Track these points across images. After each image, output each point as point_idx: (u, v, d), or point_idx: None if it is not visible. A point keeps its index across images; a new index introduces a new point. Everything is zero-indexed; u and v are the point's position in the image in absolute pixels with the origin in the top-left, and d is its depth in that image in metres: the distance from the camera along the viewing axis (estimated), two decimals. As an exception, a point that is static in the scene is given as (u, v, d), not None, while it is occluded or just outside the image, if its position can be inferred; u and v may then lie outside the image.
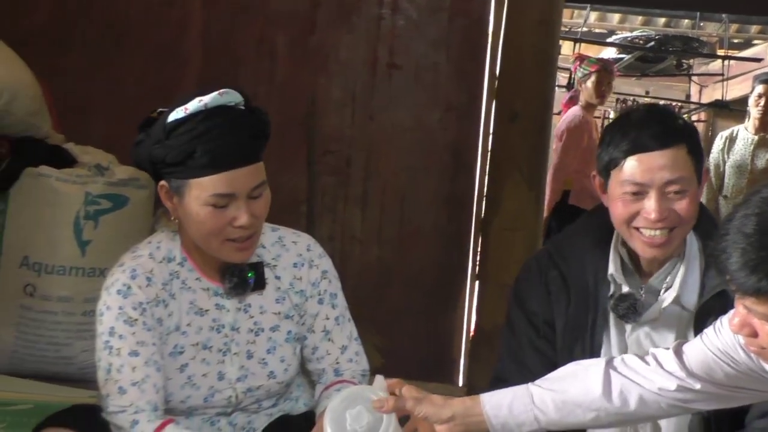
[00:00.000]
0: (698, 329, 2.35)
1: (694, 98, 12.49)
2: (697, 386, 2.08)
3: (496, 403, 2.15)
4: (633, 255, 2.48)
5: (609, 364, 2.16)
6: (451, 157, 5.24)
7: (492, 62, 5.15)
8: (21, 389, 3.73)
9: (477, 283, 5.12)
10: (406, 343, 5.18)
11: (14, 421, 3.21)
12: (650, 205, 2.34)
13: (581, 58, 7.51)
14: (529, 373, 2.49)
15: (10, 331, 3.96)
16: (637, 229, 2.38)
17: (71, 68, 5.01)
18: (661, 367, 2.12)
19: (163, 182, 2.30)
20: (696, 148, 2.39)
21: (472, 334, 5.15)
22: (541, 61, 4.91)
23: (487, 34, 5.23)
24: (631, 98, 12.66)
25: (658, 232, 2.36)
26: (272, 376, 2.44)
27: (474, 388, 4.83)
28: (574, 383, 2.16)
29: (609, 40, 11.81)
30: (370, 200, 5.25)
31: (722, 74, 11.08)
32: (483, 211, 5.09)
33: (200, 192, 2.23)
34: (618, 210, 2.40)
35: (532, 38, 4.89)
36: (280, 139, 5.35)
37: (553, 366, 2.48)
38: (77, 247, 4.00)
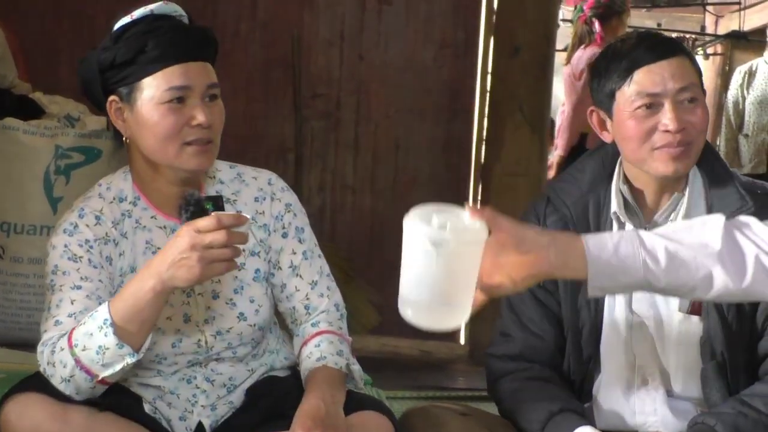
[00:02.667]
0: None
1: (710, 30, 12.40)
2: None
3: (600, 241, 2.02)
4: (635, 192, 2.50)
5: (729, 222, 2.07)
6: (448, 98, 5.23)
7: (490, -7, 5.13)
8: (-8, 358, 3.73)
9: (478, 233, 5.12)
10: (404, 298, 5.19)
11: (-15, 391, 3.21)
12: (667, 115, 2.37)
13: None
14: (531, 324, 2.54)
15: (-22, 296, 3.96)
16: (654, 148, 2.40)
17: (37, 10, 4.98)
18: None
19: (112, 97, 2.32)
20: (695, 62, 2.46)
21: (474, 287, 5.16)
22: (544, -8, 4.90)
23: (484, -35, 5.21)
24: (642, 31, 12.56)
25: (678, 147, 2.37)
26: (242, 318, 2.42)
27: (477, 347, 4.85)
28: (690, 234, 2.07)
29: (617, -33, 11.73)
30: (362, 146, 5.25)
31: (739, 3, 11.02)
32: (483, 156, 5.09)
33: (154, 90, 2.26)
34: (631, 129, 2.41)
35: (532, -33, 4.88)
36: (263, 82, 5.35)
37: (554, 320, 2.53)
38: (48, 204, 3.97)
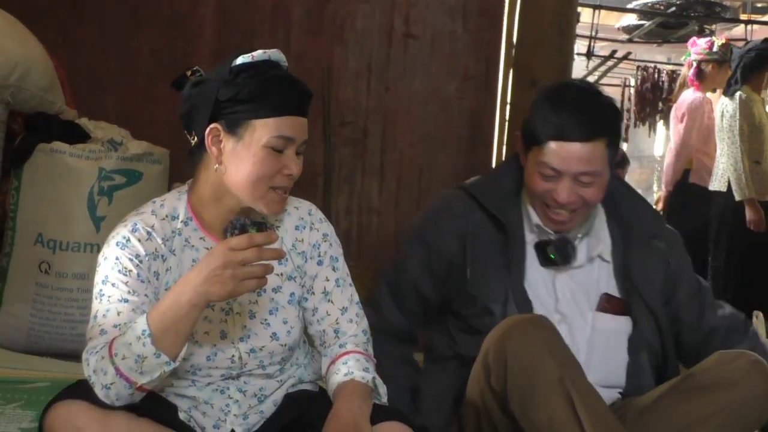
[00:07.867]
0: (619, 278, 2.61)
1: (718, 64, 12.37)
2: None
3: None
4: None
5: None
6: (469, 127, 5.25)
7: (509, 30, 5.15)
8: (38, 367, 3.74)
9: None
10: (427, 317, 5.19)
11: (31, 399, 3.22)
12: (561, 189, 2.49)
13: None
14: (405, 309, 2.83)
15: (26, 308, 3.98)
16: (544, 203, 2.57)
17: (84, 42, 5.02)
18: None
19: (215, 124, 2.32)
20: (614, 140, 2.54)
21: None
22: (560, 28, 4.90)
23: (504, 1, 5.22)
24: (652, 65, 12.59)
25: (562, 211, 2.54)
26: (275, 338, 2.44)
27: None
28: None
29: (629, 5, 11.69)
30: (387, 172, 5.27)
31: (746, 39, 11.00)
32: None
33: (264, 133, 2.29)
34: (531, 183, 2.56)
35: (550, 4, 4.89)
36: (295, 112, 5.39)
37: (426, 304, 2.79)
38: (91, 223, 4.00)
